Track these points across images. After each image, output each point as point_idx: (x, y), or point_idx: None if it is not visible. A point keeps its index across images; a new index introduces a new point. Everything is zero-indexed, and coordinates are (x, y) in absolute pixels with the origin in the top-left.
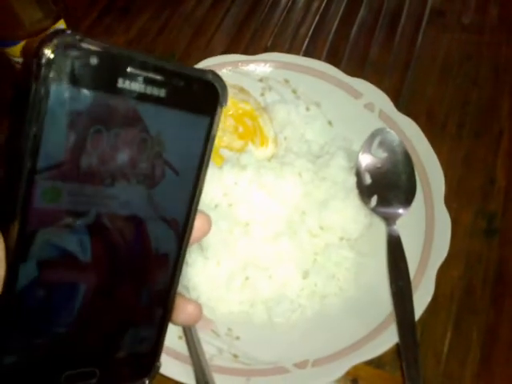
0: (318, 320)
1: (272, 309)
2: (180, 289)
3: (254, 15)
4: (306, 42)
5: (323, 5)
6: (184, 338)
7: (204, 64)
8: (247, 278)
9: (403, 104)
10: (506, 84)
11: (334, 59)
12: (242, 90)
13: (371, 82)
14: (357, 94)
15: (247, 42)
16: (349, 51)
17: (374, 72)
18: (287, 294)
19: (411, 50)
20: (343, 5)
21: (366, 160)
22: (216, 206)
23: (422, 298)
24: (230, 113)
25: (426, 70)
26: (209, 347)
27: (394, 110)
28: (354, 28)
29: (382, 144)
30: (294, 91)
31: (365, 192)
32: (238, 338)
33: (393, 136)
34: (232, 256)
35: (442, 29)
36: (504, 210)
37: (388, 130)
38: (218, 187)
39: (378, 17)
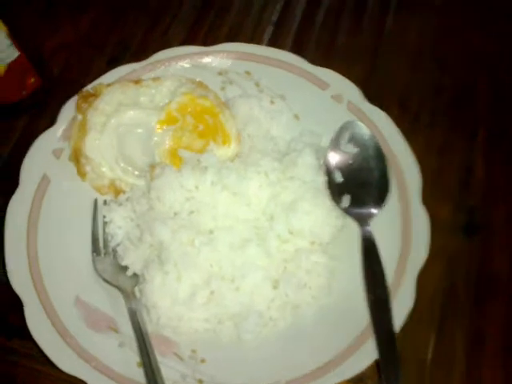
0: (290, 334)
1: (240, 325)
2: (139, 308)
3: (213, 2)
4: (270, 31)
5: None
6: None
7: (159, 57)
8: (212, 293)
9: (373, 94)
10: (480, 69)
11: (299, 48)
12: (200, 84)
13: (339, 72)
14: (323, 85)
15: (206, 32)
16: (315, 39)
17: (341, 60)
18: (256, 307)
19: (380, 36)
20: None
21: (335, 156)
22: (175, 215)
23: (401, 306)
24: (189, 110)
25: (396, 57)
26: (171, 373)
27: (364, 100)
28: (320, 13)
29: (352, 138)
30: (257, 84)
31: (336, 191)
32: (203, 360)
33: (363, 129)
34: (194, 268)
35: (413, 13)
36: (484, 204)
37: (358, 122)
38: (178, 193)
39: (345, 0)
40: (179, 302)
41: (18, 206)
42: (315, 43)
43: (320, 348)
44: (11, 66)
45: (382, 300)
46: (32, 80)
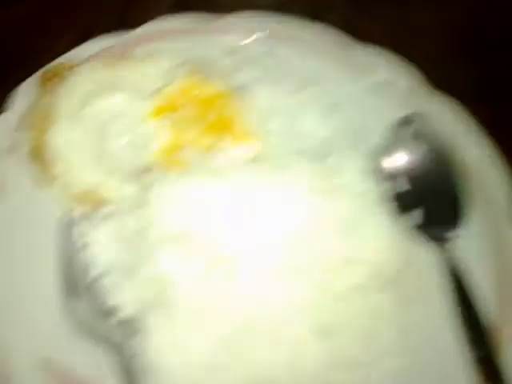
0: None
1: None
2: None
3: None
4: None
5: None
6: None
7: (150, 28)
8: (240, 347)
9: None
10: None
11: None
12: (205, 64)
13: (394, 49)
14: (370, 67)
15: None
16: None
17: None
18: (302, 368)
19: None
20: None
21: (395, 159)
22: (182, 236)
23: None
24: (192, 96)
25: None
26: None
27: (426, 87)
28: None
29: (416, 135)
30: (280, 65)
31: (401, 205)
32: None
33: (430, 124)
34: (214, 314)
35: None
36: None
37: (424, 115)
38: (183, 206)
39: None
40: (195, 363)
41: None
42: (358, 12)
43: None
44: None
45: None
46: None
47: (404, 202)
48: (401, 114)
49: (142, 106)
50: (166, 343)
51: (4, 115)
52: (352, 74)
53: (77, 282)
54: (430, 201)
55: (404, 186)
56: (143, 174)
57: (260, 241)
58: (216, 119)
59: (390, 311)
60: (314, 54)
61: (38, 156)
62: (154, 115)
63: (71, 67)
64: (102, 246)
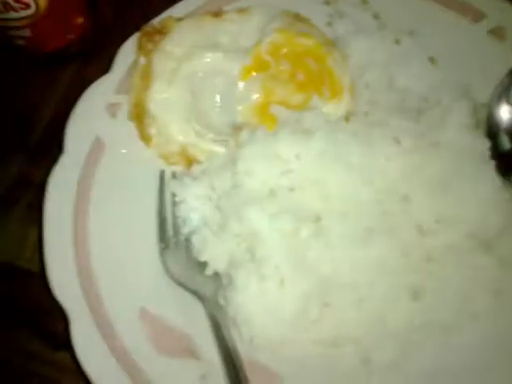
0: (439, 370)
1: (368, 353)
2: (225, 322)
3: None
4: None
5: None
6: None
7: None
8: (326, 305)
9: None
10: None
11: None
12: (299, 17)
13: None
14: (476, 15)
15: None
16: None
17: None
18: (390, 328)
19: None
20: None
21: (502, 114)
22: (271, 193)
23: None
24: (284, 52)
25: None
26: None
27: None
28: None
29: None
30: (377, 16)
31: (506, 163)
32: None
33: None
34: (302, 271)
35: None
36: None
37: None
38: (273, 164)
39: None
40: (282, 319)
41: (62, 181)
42: None
43: None
44: (54, 1)
45: None
46: (80, 20)
47: (509, 160)
48: (507, 66)
49: (236, 65)
50: (255, 300)
51: (107, 75)
52: (455, 23)
53: (172, 235)
54: None
55: (508, 143)
56: (234, 132)
57: (347, 199)
58: (307, 76)
59: (490, 272)
60: (413, 3)
61: (138, 116)
62: (246, 73)
63: (170, 25)
64: (195, 203)
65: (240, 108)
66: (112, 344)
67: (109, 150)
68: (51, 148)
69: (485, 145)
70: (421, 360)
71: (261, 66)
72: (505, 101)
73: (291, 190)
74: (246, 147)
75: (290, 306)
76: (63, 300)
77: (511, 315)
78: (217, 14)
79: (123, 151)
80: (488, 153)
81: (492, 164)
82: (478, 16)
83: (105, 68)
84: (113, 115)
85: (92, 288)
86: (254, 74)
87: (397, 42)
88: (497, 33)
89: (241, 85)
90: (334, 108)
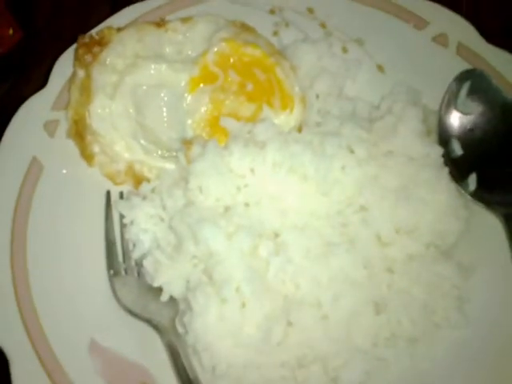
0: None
1: (337, 370)
2: (186, 351)
3: None
4: None
5: None
6: None
7: None
8: (290, 325)
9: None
10: None
11: None
12: (244, 27)
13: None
14: (420, 22)
15: None
16: None
17: None
18: (356, 343)
19: None
20: None
21: (452, 120)
22: (226, 210)
23: None
24: (232, 62)
25: None
26: None
27: (481, 41)
28: None
29: (472, 94)
30: (323, 25)
31: (458, 169)
32: None
33: (488, 81)
34: (263, 291)
35: None
36: None
37: (480, 72)
38: (226, 179)
39: None
40: (245, 343)
41: None
42: None
43: None
44: None
45: None
46: (10, 32)
47: (460, 166)
48: (455, 71)
49: (182, 77)
50: (215, 324)
51: (43, 90)
52: (401, 31)
53: (122, 260)
54: (487, 164)
55: (458, 149)
56: (184, 147)
57: (305, 211)
58: (256, 86)
59: (452, 280)
60: (359, 11)
61: (78, 133)
62: (193, 85)
63: (110, 35)
64: (145, 224)
65: (189, 122)
66: (59, 381)
67: (47, 172)
68: None
69: (438, 152)
70: (389, 377)
71: (209, 78)
72: (453, 107)
73: (247, 205)
74: (198, 162)
75: (252, 329)
76: (2, 341)
77: (477, 319)
78: (159, 23)
79: (64, 172)
80: (441, 159)
81: (446, 170)
82: (421, 23)
83: (41, 83)
84: (50, 134)
85: (35, 325)
86: (201, 85)
87: (344, 50)
88: (440, 40)
89: (188, 97)
90: (285, 119)
